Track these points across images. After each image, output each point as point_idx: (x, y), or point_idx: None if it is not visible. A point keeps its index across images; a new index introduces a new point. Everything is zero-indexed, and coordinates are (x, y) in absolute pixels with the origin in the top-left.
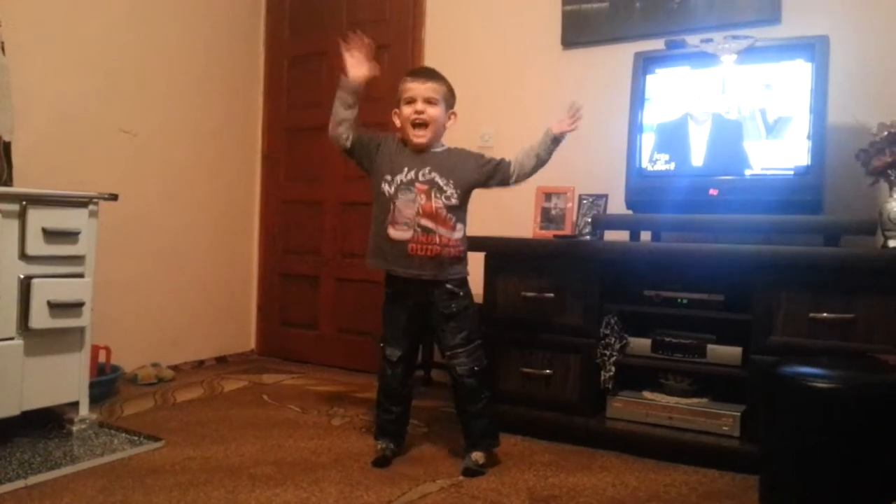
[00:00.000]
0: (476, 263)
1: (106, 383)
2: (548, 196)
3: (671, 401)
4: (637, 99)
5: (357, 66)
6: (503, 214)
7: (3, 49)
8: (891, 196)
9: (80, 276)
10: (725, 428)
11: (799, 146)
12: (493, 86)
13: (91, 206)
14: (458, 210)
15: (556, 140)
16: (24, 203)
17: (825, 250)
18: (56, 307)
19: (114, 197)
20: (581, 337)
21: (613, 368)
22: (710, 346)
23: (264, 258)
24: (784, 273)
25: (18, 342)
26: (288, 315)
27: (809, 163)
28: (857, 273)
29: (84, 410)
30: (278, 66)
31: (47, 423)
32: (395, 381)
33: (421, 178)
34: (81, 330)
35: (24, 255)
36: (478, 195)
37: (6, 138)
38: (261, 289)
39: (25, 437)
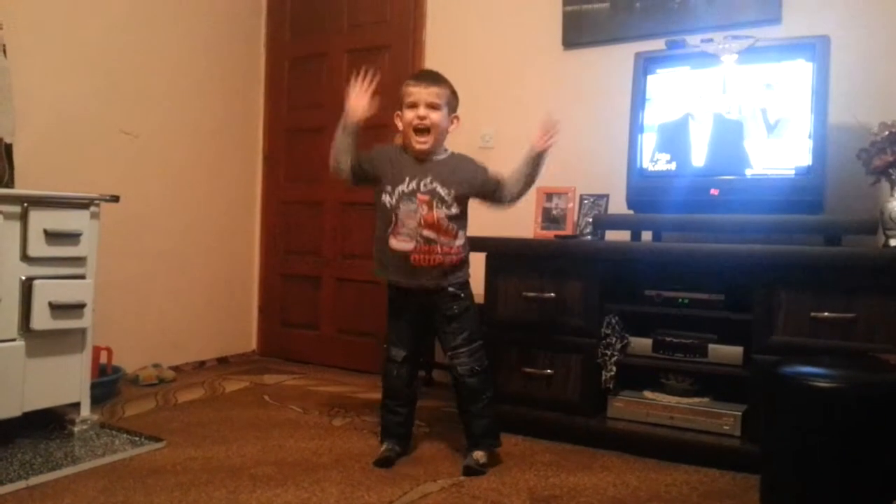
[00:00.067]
0: (477, 264)
1: (107, 384)
2: (549, 196)
3: (672, 400)
4: (638, 99)
5: (358, 99)
6: (504, 215)
7: (4, 51)
8: (892, 195)
9: (82, 277)
10: (726, 427)
11: (800, 146)
12: (493, 86)
13: (92, 208)
14: (460, 218)
15: (541, 156)
16: (25, 205)
17: (826, 250)
18: (57, 308)
19: (115, 198)
20: (582, 337)
21: (614, 368)
22: (711, 346)
23: (265, 259)
24: (785, 273)
25: (20, 343)
26: (289, 315)
27: (810, 162)
28: (858, 272)
29: (85, 411)
30: (279, 67)
31: (49, 423)
32: (400, 382)
33: (422, 188)
34: (83, 331)
35: (25, 257)
36: None
37: (8, 140)
38: (262, 289)
39: (27, 438)
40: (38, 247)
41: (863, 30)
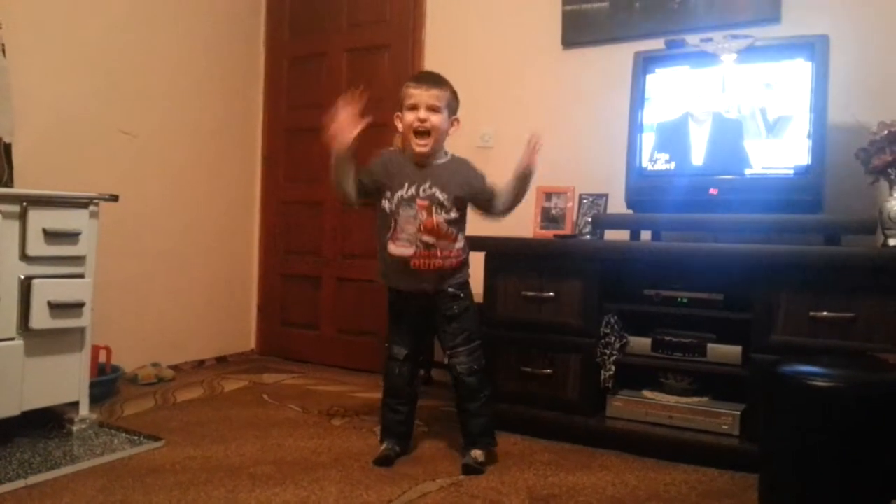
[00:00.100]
0: (476, 263)
1: (106, 383)
2: (548, 196)
3: (671, 400)
4: (637, 98)
5: (341, 133)
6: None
7: (3, 51)
8: (891, 195)
9: (81, 276)
10: (725, 427)
11: (799, 145)
12: (493, 86)
13: (91, 207)
14: (459, 222)
15: (528, 172)
16: (24, 204)
17: (825, 249)
18: (56, 307)
19: (114, 198)
20: (581, 336)
21: (613, 367)
22: (710, 346)
23: (264, 258)
24: (784, 272)
25: (19, 342)
26: (288, 315)
27: (809, 162)
28: (857, 272)
29: (84, 410)
30: (278, 67)
31: (47, 423)
32: (402, 380)
33: (422, 193)
34: (82, 330)
35: (24, 256)
36: None
37: (7, 139)
38: (261, 289)
39: (26, 437)
40: (37, 246)
41: (862, 29)
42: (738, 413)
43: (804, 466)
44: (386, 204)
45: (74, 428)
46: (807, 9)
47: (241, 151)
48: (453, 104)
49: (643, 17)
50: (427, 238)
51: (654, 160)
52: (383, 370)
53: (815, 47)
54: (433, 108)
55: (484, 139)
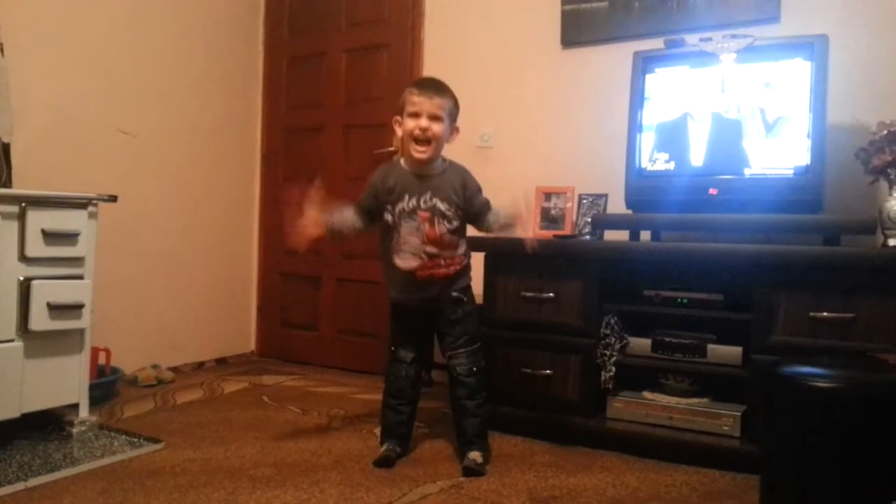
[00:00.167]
0: (476, 263)
1: (106, 385)
2: (547, 196)
3: (671, 401)
4: (636, 98)
5: (303, 235)
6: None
7: (2, 50)
8: (890, 195)
9: (80, 277)
10: (726, 428)
11: (798, 145)
12: (492, 85)
13: (90, 208)
14: (461, 229)
15: (512, 227)
16: (23, 204)
17: (825, 249)
18: (56, 309)
19: (113, 198)
20: (581, 337)
21: (614, 368)
22: (710, 346)
23: (264, 259)
24: (784, 272)
25: (18, 344)
26: (288, 316)
27: (809, 162)
28: (856, 272)
29: (84, 412)
30: (277, 67)
31: (47, 425)
32: (407, 382)
33: (423, 205)
34: (81, 332)
35: (23, 257)
36: None
37: (5, 139)
38: (261, 290)
39: (25, 440)
40: (36, 247)
41: (862, 29)
42: (739, 414)
43: (805, 467)
44: (388, 217)
45: (74, 430)
46: (806, 8)
47: (240, 151)
48: (454, 112)
49: (642, 16)
50: (431, 249)
51: (654, 160)
52: (386, 372)
53: (814, 47)
54: (435, 117)
55: (483, 139)
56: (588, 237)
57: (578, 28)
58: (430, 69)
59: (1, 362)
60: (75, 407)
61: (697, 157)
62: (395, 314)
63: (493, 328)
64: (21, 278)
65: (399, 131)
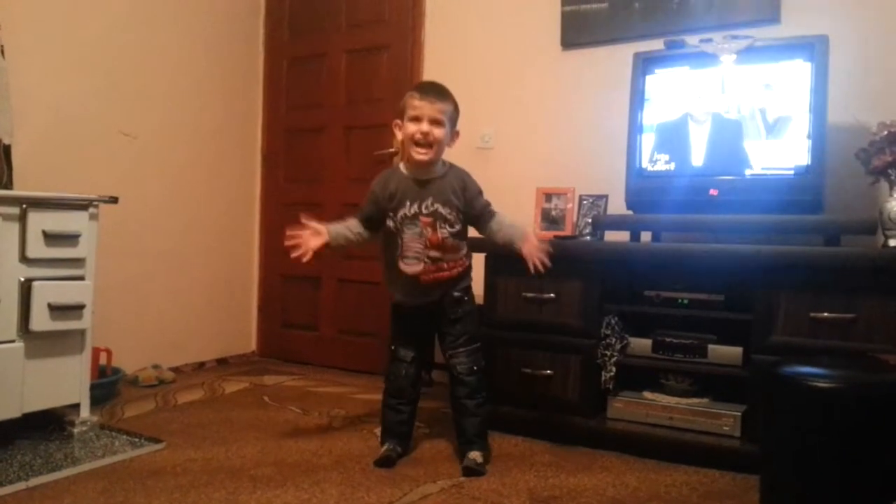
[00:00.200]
0: (477, 264)
1: (107, 385)
2: (548, 197)
3: (672, 401)
4: (637, 99)
5: (304, 247)
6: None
7: (2, 52)
8: (891, 195)
9: (81, 278)
10: (726, 428)
11: (799, 146)
12: (492, 86)
13: (91, 209)
14: (463, 232)
15: (517, 252)
16: (24, 206)
17: (825, 250)
18: (57, 310)
19: (114, 199)
20: (581, 337)
21: (614, 369)
22: (710, 346)
23: (265, 259)
24: (784, 273)
25: (19, 345)
26: (289, 316)
27: (809, 162)
28: (857, 273)
29: (85, 412)
30: (278, 67)
31: (48, 425)
32: (407, 381)
33: (424, 210)
34: (82, 332)
35: (24, 258)
36: None
37: (6, 141)
38: (261, 290)
39: (26, 440)
40: (36, 248)
41: (862, 30)
42: (739, 414)
43: (805, 467)
44: (391, 223)
45: (75, 430)
46: (806, 9)
47: (240, 152)
48: (455, 117)
49: (642, 17)
50: (434, 253)
51: (654, 161)
52: (386, 371)
53: (814, 48)
54: (436, 122)
55: (484, 140)
56: (588, 238)
57: (578, 29)
58: (430, 70)
59: (2, 362)
60: (76, 407)
61: (698, 157)
62: (395, 314)
63: (493, 328)
64: (22, 279)
65: (399, 135)
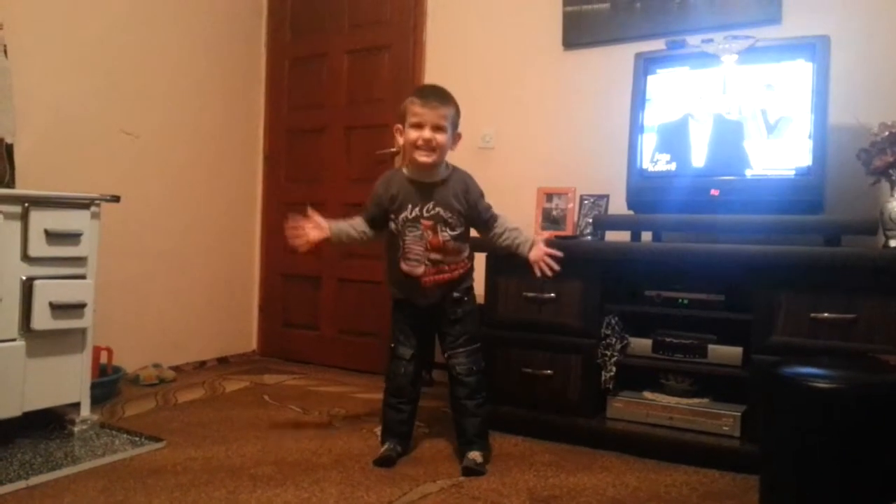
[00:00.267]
0: (478, 264)
1: (107, 384)
2: (549, 197)
3: (672, 401)
4: (638, 99)
5: (303, 236)
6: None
7: (5, 52)
8: (892, 196)
9: (82, 277)
10: (726, 428)
11: (800, 146)
12: (493, 86)
13: (93, 208)
14: (464, 234)
15: (523, 256)
16: (26, 205)
17: (826, 250)
18: (58, 308)
19: (115, 198)
20: (582, 337)
21: (614, 368)
22: (710, 347)
23: (265, 258)
24: (785, 273)
25: (20, 343)
26: (289, 315)
27: (810, 163)
28: (857, 273)
29: (85, 411)
30: (279, 67)
31: (49, 423)
32: (406, 380)
33: (426, 213)
34: (83, 331)
35: (26, 257)
36: None
37: (8, 140)
38: (262, 289)
39: (27, 438)
40: (38, 247)
41: (863, 30)
42: (739, 414)
43: (804, 467)
44: (393, 225)
45: (76, 429)
46: (808, 9)
47: (241, 151)
48: (456, 120)
49: (644, 17)
50: (435, 256)
51: (655, 161)
52: (386, 370)
53: (815, 48)
54: (438, 128)
55: (485, 140)
56: (589, 238)
57: (580, 29)
58: (431, 70)
59: (3, 361)
60: (77, 406)
61: (699, 158)
62: (396, 311)
63: (494, 328)
64: (24, 278)
65: (401, 140)
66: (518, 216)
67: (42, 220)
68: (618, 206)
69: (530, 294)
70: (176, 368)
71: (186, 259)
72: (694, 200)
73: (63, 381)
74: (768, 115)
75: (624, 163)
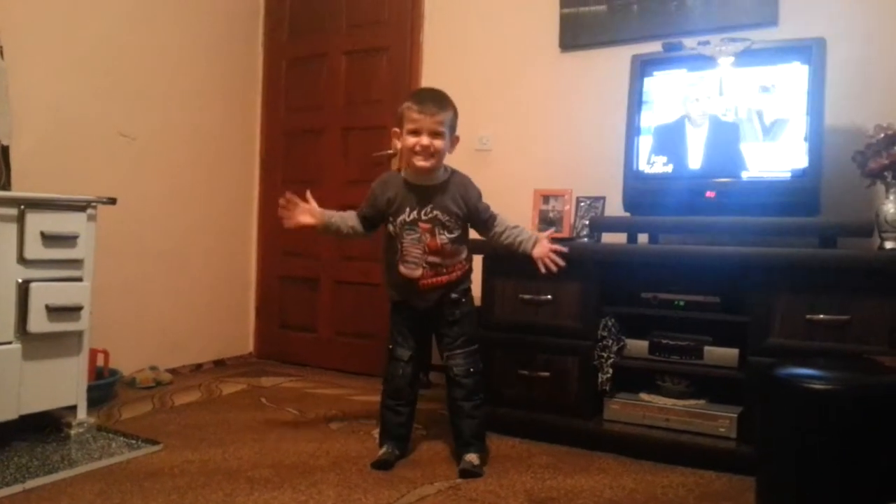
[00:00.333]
0: (475, 266)
1: (104, 387)
2: (545, 198)
3: (668, 402)
4: (634, 101)
5: (295, 216)
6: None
7: (1, 53)
8: (887, 198)
9: (79, 279)
10: (722, 429)
11: (796, 148)
12: (491, 88)
13: (89, 210)
14: (462, 237)
15: (526, 255)
16: (22, 207)
17: (822, 252)
18: (54, 311)
19: (112, 201)
20: (578, 339)
21: (611, 370)
22: (706, 348)
23: (263, 261)
24: (781, 275)
25: (17, 346)
26: (286, 318)
27: (806, 165)
28: (853, 275)
29: (82, 414)
30: (277, 68)
31: (45, 426)
32: (404, 381)
33: (423, 216)
34: (80, 334)
35: (22, 259)
36: None
37: (5, 142)
38: (259, 291)
39: (23, 441)
40: (34, 249)
41: (859, 32)
42: (735, 415)
43: (801, 469)
44: (390, 228)
45: (72, 432)
46: (804, 12)
47: (239, 153)
48: (454, 123)
49: (641, 19)
50: (433, 258)
51: (652, 163)
52: (384, 372)
53: (812, 50)
54: (436, 134)
55: (482, 142)
56: (586, 240)
57: (577, 31)
58: (429, 72)
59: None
60: (73, 409)
61: (695, 160)
62: (394, 313)
63: (491, 330)
64: (20, 280)
65: (398, 144)
66: (515, 218)
67: (38, 222)
68: (614, 208)
69: (527, 296)
70: (172, 371)
71: (183, 261)
72: (690, 202)
73: (59, 384)
74: (764, 117)
75: (620, 165)
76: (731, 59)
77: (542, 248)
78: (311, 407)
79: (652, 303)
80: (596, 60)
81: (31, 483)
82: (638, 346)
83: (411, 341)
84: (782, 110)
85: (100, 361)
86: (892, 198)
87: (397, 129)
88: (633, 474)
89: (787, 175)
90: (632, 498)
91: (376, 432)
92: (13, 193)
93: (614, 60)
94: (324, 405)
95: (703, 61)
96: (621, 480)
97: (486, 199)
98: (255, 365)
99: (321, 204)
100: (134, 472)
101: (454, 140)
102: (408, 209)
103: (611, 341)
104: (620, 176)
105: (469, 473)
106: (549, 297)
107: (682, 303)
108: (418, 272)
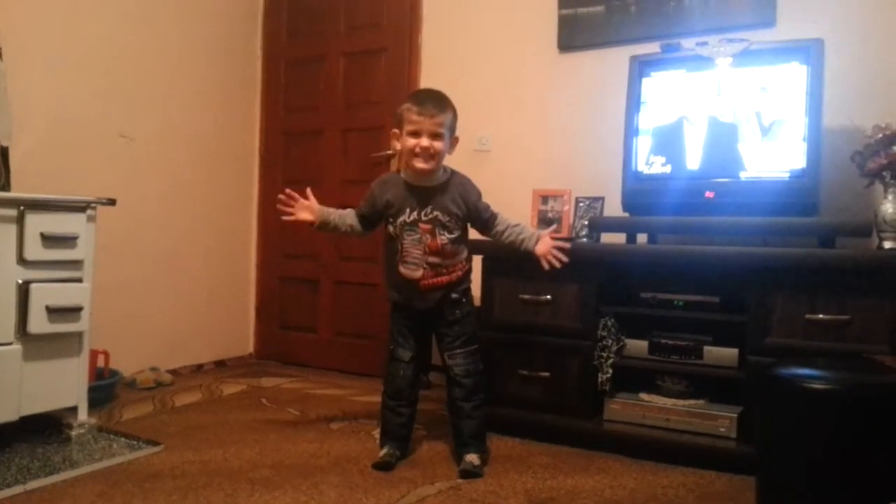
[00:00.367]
0: (474, 266)
1: (105, 388)
2: (544, 199)
3: (668, 402)
4: (633, 102)
5: (295, 211)
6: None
7: (0, 54)
8: (886, 198)
9: (79, 280)
10: (722, 429)
11: (794, 149)
12: (489, 89)
13: (89, 211)
14: (462, 237)
15: (528, 253)
16: (22, 208)
17: (820, 252)
18: (54, 312)
19: (112, 201)
20: (578, 339)
21: (610, 370)
22: (706, 348)
23: (262, 261)
24: (780, 275)
25: (17, 347)
26: (287, 318)
27: (805, 165)
28: (852, 275)
29: (83, 415)
30: (276, 70)
31: (46, 428)
32: (405, 382)
33: (424, 217)
34: (80, 334)
35: (22, 260)
36: None
37: (4, 143)
38: (259, 292)
39: (24, 443)
40: (34, 250)
41: (857, 33)
42: (735, 415)
43: (801, 468)
44: (391, 229)
45: (73, 433)
46: (802, 12)
47: (238, 154)
48: (454, 124)
49: (639, 20)
50: (433, 259)
51: (650, 163)
52: (385, 372)
53: (810, 51)
54: (436, 136)
55: (481, 142)
56: (585, 240)
57: (575, 32)
58: (427, 73)
59: (0, 365)
60: (74, 410)
61: (694, 160)
62: (395, 314)
63: (491, 330)
64: (20, 281)
65: (398, 145)
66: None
67: (38, 223)
68: (613, 208)
69: (527, 296)
70: (173, 372)
71: (183, 261)
72: (689, 203)
73: (60, 385)
74: (763, 117)
75: (619, 165)
76: (730, 59)
77: (545, 245)
78: (312, 407)
79: (651, 303)
80: (594, 61)
81: (32, 484)
82: (638, 346)
83: (412, 342)
84: (781, 111)
85: (100, 362)
86: (890, 198)
87: (397, 131)
88: (634, 474)
89: (786, 175)
90: (632, 498)
91: (377, 433)
92: (13, 194)
93: (613, 61)
94: (324, 406)
95: (702, 62)
96: (621, 480)
97: (485, 199)
98: (256, 366)
99: (320, 202)
100: (135, 472)
101: (454, 141)
102: (408, 210)
103: (610, 341)
104: (619, 176)
105: (469, 474)
106: (548, 297)
107: (681, 303)
108: (419, 273)
